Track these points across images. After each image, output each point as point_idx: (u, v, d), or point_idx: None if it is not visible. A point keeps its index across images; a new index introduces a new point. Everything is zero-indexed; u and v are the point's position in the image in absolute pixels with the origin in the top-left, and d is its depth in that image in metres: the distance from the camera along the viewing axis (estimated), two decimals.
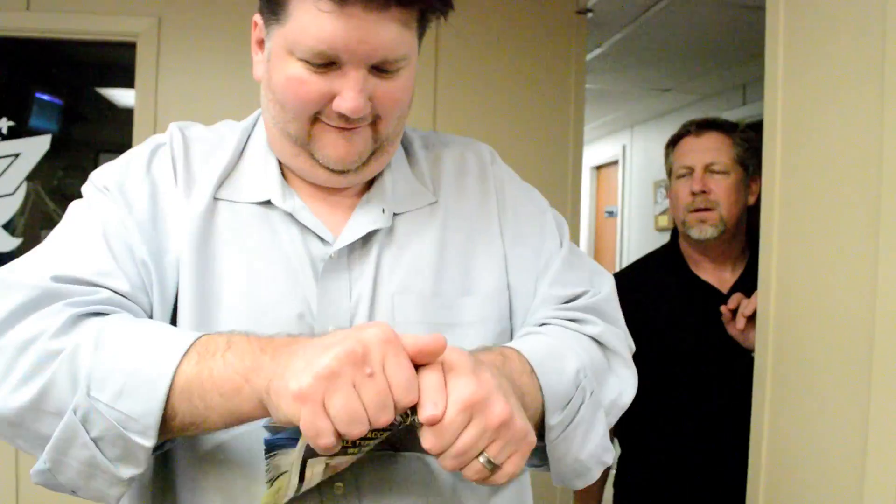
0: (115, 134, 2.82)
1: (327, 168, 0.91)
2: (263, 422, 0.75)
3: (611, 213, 6.68)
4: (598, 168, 7.14)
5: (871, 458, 1.20)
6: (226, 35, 2.64)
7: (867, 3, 1.27)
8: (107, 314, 0.79)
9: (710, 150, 1.83)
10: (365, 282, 0.91)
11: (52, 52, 2.85)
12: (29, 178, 2.67)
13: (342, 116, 0.86)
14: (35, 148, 2.69)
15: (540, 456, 0.91)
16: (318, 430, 0.63)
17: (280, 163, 0.96)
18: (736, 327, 1.69)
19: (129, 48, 2.65)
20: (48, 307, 0.77)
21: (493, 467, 0.70)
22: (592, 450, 0.89)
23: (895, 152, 1.18)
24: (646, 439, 1.90)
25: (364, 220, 0.94)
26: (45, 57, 2.86)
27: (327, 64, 0.83)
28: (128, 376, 0.71)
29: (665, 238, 2.08)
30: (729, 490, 1.70)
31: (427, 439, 0.68)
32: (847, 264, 1.31)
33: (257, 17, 0.91)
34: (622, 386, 0.97)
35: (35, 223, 2.82)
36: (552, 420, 0.84)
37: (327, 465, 0.73)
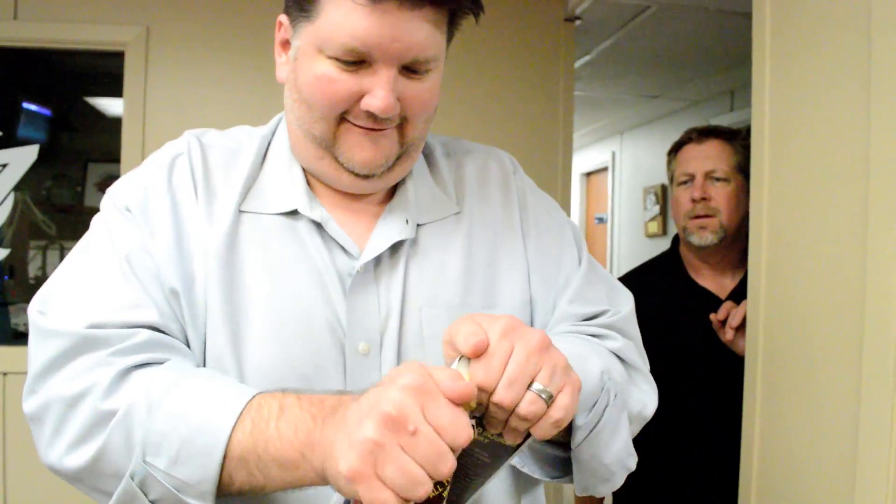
0: (104, 143, 2.81)
1: (352, 172, 0.89)
2: None
3: (601, 220, 6.69)
4: (588, 175, 7.16)
5: (861, 461, 1.20)
6: (214, 44, 2.63)
7: (852, 10, 1.28)
8: (153, 363, 0.78)
9: (710, 157, 1.84)
10: (393, 295, 0.90)
11: (41, 61, 2.84)
12: (17, 188, 2.66)
13: (370, 116, 0.84)
14: (23, 158, 2.68)
15: (561, 467, 0.90)
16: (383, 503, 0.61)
17: (304, 170, 0.94)
18: (725, 337, 1.70)
19: (117, 57, 2.64)
20: (90, 354, 0.76)
21: (549, 398, 0.69)
22: (617, 454, 0.88)
23: (882, 157, 1.19)
24: (645, 443, 1.90)
25: (388, 231, 0.92)
26: (34, 67, 2.85)
27: (357, 62, 0.82)
28: (182, 443, 0.71)
29: (654, 244, 2.09)
30: (725, 492, 1.70)
31: (477, 373, 0.68)
32: (835, 270, 1.31)
33: (283, 18, 0.90)
34: (645, 399, 0.96)
35: (23, 233, 2.80)
36: (579, 421, 0.83)
37: None
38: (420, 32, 0.82)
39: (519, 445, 0.73)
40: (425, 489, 0.61)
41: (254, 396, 0.73)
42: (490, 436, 0.72)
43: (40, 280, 2.93)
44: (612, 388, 0.87)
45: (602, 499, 2.09)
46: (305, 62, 0.85)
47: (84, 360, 0.76)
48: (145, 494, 0.72)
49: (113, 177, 2.69)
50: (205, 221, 0.88)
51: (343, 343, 0.87)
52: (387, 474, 0.61)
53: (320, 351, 0.86)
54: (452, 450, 0.63)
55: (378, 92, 0.83)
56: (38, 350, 0.79)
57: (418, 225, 0.95)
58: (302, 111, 0.88)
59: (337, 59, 0.82)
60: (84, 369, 0.76)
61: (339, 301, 0.88)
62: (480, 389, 0.67)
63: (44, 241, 3.05)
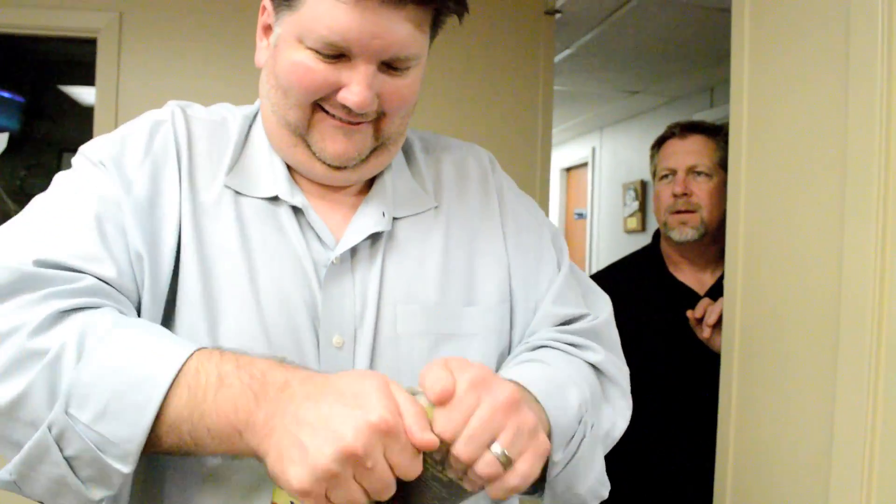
0: (79, 132, 2.77)
1: (324, 162, 0.88)
2: None
3: (580, 215, 6.71)
4: (568, 170, 7.17)
5: (836, 458, 1.21)
6: (189, 31, 2.60)
7: (831, 6, 1.27)
8: (92, 308, 0.74)
9: (693, 152, 1.84)
10: (370, 288, 0.89)
11: (13, 48, 2.79)
12: None
13: (346, 109, 0.84)
14: None
15: (534, 486, 0.88)
16: None
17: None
18: (701, 335, 1.70)
19: (91, 45, 2.60)
20: (28, 294, 0.71)
21: (507, 461, 0.67)
22: (591, 484, 0.88)
23: (858, 153, 1.19)
24: (622, 441, 1.90)
25: (365, 222, 0.91)
26: (6, 53, 2.80)
27: (337, 55, 0.82)
28: (111, 397, 0.66)
29: (634, 240, 2.09)
30: (702, 487, 1.70)
31: (439, 422, 0.66)
32: (812, 266, 1.31)
33: (266, 2, 0.89)
34: (615, 418, 0.96)
35: None
36: (556, 457, 0.82)
37: None
38: (401, 30, 0.82)
39: (480, 489, 0.71)
40: None
41: (192, 354, 0.70)
42: (449, 476, 0.70)
43: None
44: (590, 419, 0.87)
45: None
46: (285, 49, 0.84)
47: (22, 297, 0.72)
48: (61, 449, 0.67)
49: None
50: (186, 190, 0.86)
51: (318, 334, 0.85)
52: (335, 495, 0.62)
53: (298, 337, 0.84)
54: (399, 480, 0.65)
55: (355, 87, 0.82)
56: None
57: (395, 218, 0.94)
58: (278, 97, 0.87)
59: (316, 51, 0.82)
60: (19, 306, 0.71)
61: (316, 290, 0.87)
62: (438, 435, 0.66)
63: None
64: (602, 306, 1.04)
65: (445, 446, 0.67)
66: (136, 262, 0.80)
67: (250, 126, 0.96)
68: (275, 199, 0.89)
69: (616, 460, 1.94)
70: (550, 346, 0.94)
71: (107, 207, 0.81)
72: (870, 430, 1.15)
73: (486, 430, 0.66)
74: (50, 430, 0.67)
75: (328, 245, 0.89)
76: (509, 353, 0.97)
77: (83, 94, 3.22)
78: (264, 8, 0.90)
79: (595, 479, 0.88)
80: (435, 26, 0.88)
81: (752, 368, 1.48)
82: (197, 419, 0.68)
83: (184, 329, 0.82)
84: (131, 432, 0.66)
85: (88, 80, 2.67)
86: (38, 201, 0.83)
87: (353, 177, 0.92)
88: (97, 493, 0.69)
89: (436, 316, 0.91)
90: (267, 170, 0.91)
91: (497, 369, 0.93)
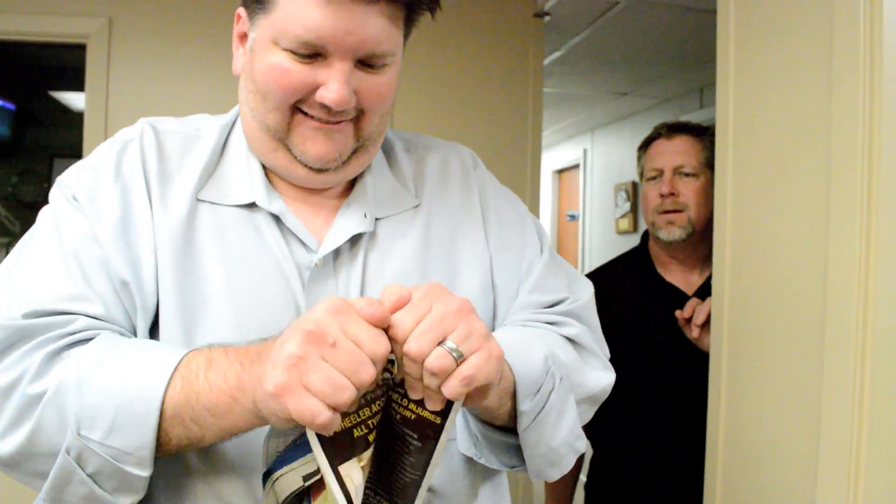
0: (70, 138, 2.77)
1: (306, 166, 0.89)
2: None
3: (573, 217, 6.71)
4: (560, 172, 7.17)
5: (823, 453, 1.21)
6: (178, 36, 2.60)
7: (815, 6, 1.28)
8: (83, 341, 0.78)
9: (679, 152, 1.85)
10: (352, 287, 0.90)
11: (3, 55, 2.79)
12: None
13: (325, 108, 0.85)
14: None
15: (517, 456, 0.91)
16: (310, 413, 0.64)
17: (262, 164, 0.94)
18: (690, 335, 1.71)
19: (81, 51, 2.59)
20: (23, 346, 0.76)
21: (459, 356, 0.69)
22: (564, 436, 0.89)
23: (842, 151, 1.20)
24: (614, 440, 1.91)
25: (347, 224, 0.92)
26: None
27: (312, 55, 0.83)
28: (117, 412, 0.72)
29: (625, 241, 2.09)
30: (692, 486, 1.71)
31: (393, 325, 0.69)
32: (797, 265, 1.32)
33: (241, 10, 0.90)
34: (599, 380, 0.98)
35: None
36: (524, 406, 0.84)
37: (360, 465, 0.72)
38: (375, 26, 0.83)
39: (444, 420, 0.72)
40: (349, 395, 0.65)
41: (184, 356, 0.75)
42: (413, 409, 0.73)
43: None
44: (557, 372, 0.88)
45: (573, 494, 2.09)
46: (261, 53, 0.85)
47: (17, 352, 0.76)
48: (82, 468, 0.72)
49: None
50: (158, 207, 0.87)
51: None
52: (311, 382, 0.64)
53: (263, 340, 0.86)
54: (373, 361, 0.66)
55: (332, 84, 0.83)
56: None
57: (377, 219, 0.95)
58: (256, 102, 0.88)
59: (292, 52, 0.82)
60: (16, 360, 0.76)
61: (299, 293, 0.88)
62: (392, 340, 0.69)
63: (6, 239, 2.99)
64: (582, 290, 1.06)
65: (401, 351, 0.70)
66: (123, 290, 0.83)
67: (227, 135, 0.97)
68: (252, 205, 0.90)
69: (608, 459, 1.96)
70: (525, 326, 0.96)
71: (84, 245, 0.83)
72: (856, 427, 1.16)
73: (438, 328, 0.69)
74: (68, 454, 0.72)
75: (311, 248, 0.90)
76: None
77: (74, 99, 3.21)
78: (239, 16, 0.91)
79: (568, 431, 0.90)
80: (409, 23, 0.90)
81: (740, 367, 1.48)
82: (194, 401, 0.72)
83: (162, 339, 0.84)
84: (141, 439, 0.71)
85: (79, 85, 2.67)
86: (20, 250, 0.86)
87: (335, 179, 0.93)
88: (125, 500, 0.74)
89: None
90: (244, 176, 0.92)
91: None
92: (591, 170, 6.20)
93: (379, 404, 0.74)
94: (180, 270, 0.85)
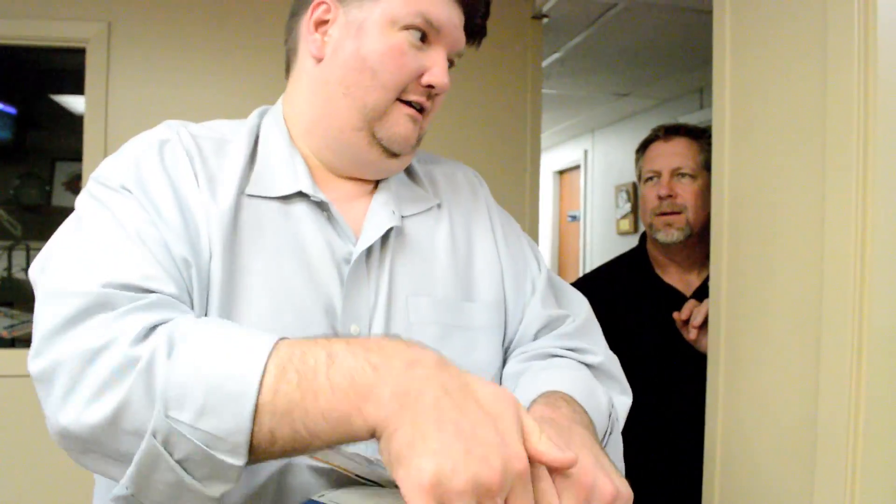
0: (72, 141, 2.77)
1: (384, 149, 0.95)
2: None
3: (574, 218, 6.72)
4: (561, 173, 7.18)
5: (820, 454, 1.22)
6: (177, 40, 2.61)
7: (809, 7, 1.29)
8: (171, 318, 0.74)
9: (677, 154, 1.85)
10: (382, 282, 0.92)
11: (4, 59, 2.79)
12: None
13: (426, 92, 0.94)
14: None
15: None
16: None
17: (304, 160, 0.97)
18: (688, 337, 1.71)
19: (82, 54, 2.61)
20: (105, 313, 0.71)
21: None
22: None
23: (837, 152, 1.20)
24: None
25: (381, 219, 0.95)
26: None
27: (423, 41, 0.92)
28: (208, 392, 0.65)
29: (626, 241, 2.09)
30: (691, 488, 1.71)
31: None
32: (794, 267, 1.32)
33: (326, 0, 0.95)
34: (622, 405, 1.01)
35: None
36: None
37: None
38: (463, 29, 0.96)
39: None
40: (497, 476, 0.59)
41: (279, 339, 0.68)
42: None
43: (5, 281, 2.88)
44: (615, 414, 0.93)
45: None
46: (374, 33, 0.91)
47: (102, 316, 0.71)
48: (170, 453, 0.66)
49: (81, 176, 2.66)
50: (207, 202, 0.86)
51: (336, 326, 0.88)
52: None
53: (315, 330, 0.85)
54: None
55: (437, 69, 0.92)
56: (47, 311, 0.73)
57: (402, 217, 0.99)
58: (361, 79, 0.92)
59: (409, 30, 0.91)
60: (102, 323, 0.70)
61: (334, 285, 0.89)
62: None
63: (8, 242, 3.00)
64: (580, 305, 1.09)
65: None
66: (185, 269, 0.81)
67: (257, 135, 0.98)
68: (294, 196, 0.92)
69: None
70: (557, 355, 0.99)
71: (147, 229, 0.80)
72: (852, 426, 1.16)
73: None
74: (155, 437, 0.66)
75: (350, 239, 0.92)
76: (503, 349, 1.01)
77: (75, 103, 3.22)
78: (318, 4, 0.95)
79: (618, 465, 0.91)
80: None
81: (737, 368, 1.49)
82: (310, 401, 0.64)
83: None
84: (236, 423, 0.64)
85: (80, 89, 2.67)
86: (71, 230, 0.83)
87: (397, 167, 0.99)
88: (216, 490, 0.68)
89: (444, 308, 0.95)
90: (287, 168, 0.94)
91: (503, 363, 1.01)
92: (591, 171, 6.21)
93: None
94: (227, 263, 0.84)
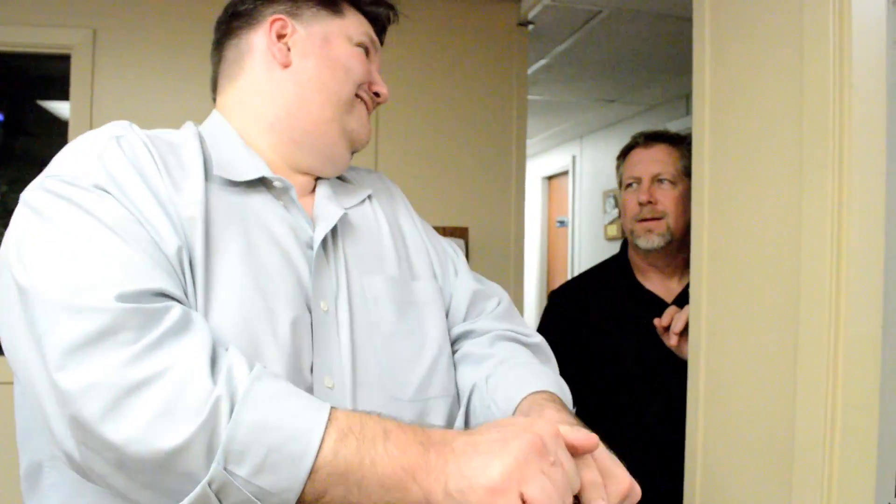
0: (59, 147, 2.76)
1: (348, 142, 1.07)
2: None
3: (562, 223, 6.73)
4: (550, 178, 7.20)
5: (798, 456, 1.23)
6: (161, 48, 2.62)
7: (786, 14, 1.30)
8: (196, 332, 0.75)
9: (657, 161, 1.86)
10: (339, 264, 1.00)
11: None
12: None
13: (373, 97, 1.11)
14: None
15: None
16: None
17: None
18: (669, 343, 1.71)
19: (68, 60, 2.60)
20: (128, 333, 0.71)
21: None
22: None
23: (813, 158, 1.21)
24: None
25: (332, 210, 1.02)
26: None
27: (367, 55, 1.09)
28: (269, 452, 0.68)
29: (614, 247, 2.10)
30: (672, 494, 1.71)
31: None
32: (772, 273, 1.33)
33: (283, 16, 1.05)
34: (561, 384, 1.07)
35: None
36: None
37: None
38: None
39: None
40: None
41: (334, 409, 0.73)
42: None
43: None
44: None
45: None
46: (339, 43, 1.06)
47: (131, 335, 0.71)
48: (220, 500, 0.68)
49: None
50: (172, 190, 0.86)
51: (309, 303, 0.93)
52: (529, 490, 0.66)
53: (294, 304, 0.90)
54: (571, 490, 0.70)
55: (382, 83, 1.11)
56: (62, 324, 0.71)
57: (345, 208, 1.06)
58: (335, 75, 1.05)
59: (359, 46, 1.07)
60: (137, 347, 0.70)
61: (302, 266, 0.95)
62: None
63: None
64: (501, 290, 1.20)
65: None
66: (177, 261, 0.82)
67: (201, 138, 1.00)
68: (255, 184, 0.97)
69: None
70: (505, 339, 1.09)
71: (134, 228, 0.80)
72: (829, 429, 1.18)
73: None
74: (210, 486, 0.67)
75: (310, 225, 0.99)
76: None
77: (62, 108, 3.21)
78: (279, 20, 1.05)
79: None
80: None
81: (718, 375, 1.49)
82: (368, 467, 0.69)
83: None
84: (290, 482, 0.68)
85: (66, 95, 2.67)
86: (36, 225, 0.80)
87: (346, 164, 1.11)
88: None
89: (395, 285, 1.03)
90: (246, 157, 0.99)
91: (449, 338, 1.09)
92: (580, 176, 6.23)
93: None
94: (204, 242, 0.85)
